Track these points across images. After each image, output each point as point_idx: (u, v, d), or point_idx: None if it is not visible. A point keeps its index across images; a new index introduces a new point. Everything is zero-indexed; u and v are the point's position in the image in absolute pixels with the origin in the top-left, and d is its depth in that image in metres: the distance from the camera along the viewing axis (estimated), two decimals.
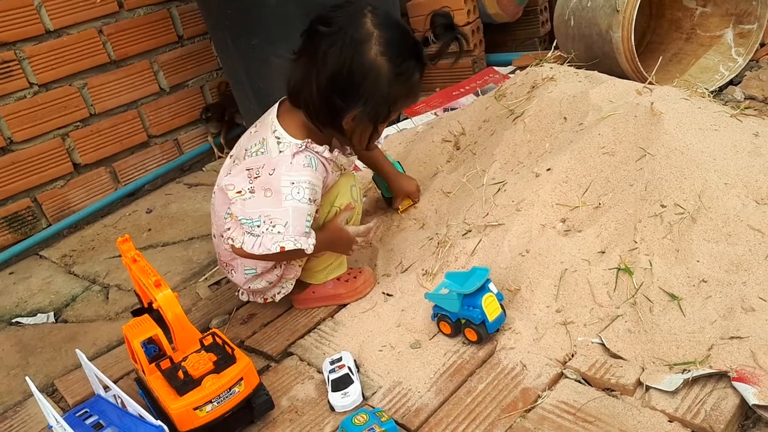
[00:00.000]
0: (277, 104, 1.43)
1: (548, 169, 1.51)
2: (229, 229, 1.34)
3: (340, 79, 1.26)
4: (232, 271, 1.49)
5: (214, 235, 1.53)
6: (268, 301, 1.55)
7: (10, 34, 2.20)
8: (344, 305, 1.52)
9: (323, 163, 1.37)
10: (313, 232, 1.34)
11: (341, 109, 1.29)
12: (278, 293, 1.52)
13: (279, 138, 1.35)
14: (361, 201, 1.56)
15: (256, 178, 1.32)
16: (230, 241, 1.32)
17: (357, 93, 1.27)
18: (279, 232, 1.28)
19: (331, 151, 1.38)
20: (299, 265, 1.49)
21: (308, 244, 1.31)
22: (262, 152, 1.35)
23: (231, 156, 1.46)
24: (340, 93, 1.27)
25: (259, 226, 1.29)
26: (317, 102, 1.29)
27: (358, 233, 1.47)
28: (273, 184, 1.30)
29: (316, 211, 1.39)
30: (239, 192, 1.33)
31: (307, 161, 1.32)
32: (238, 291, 1.61)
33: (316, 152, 1.35)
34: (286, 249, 1.28)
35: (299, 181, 1.30)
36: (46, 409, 1.23)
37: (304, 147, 1.33)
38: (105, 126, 2.49)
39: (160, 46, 2.61)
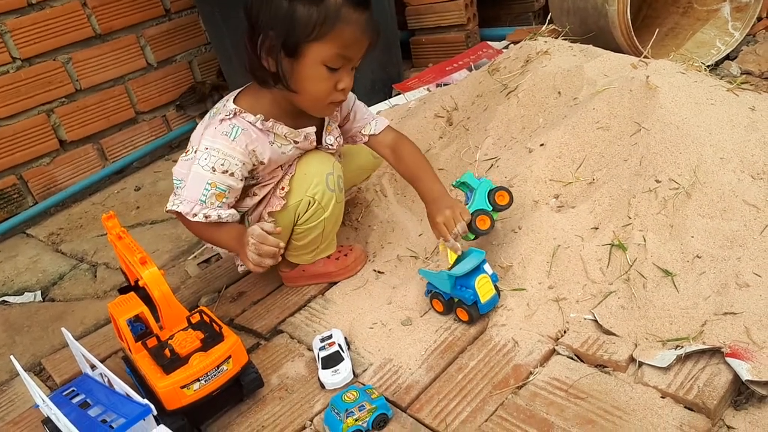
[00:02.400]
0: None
1: (542, 145, 1.49)
2: None
3: (249, 17, 1.23)
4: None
5: None
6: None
7: None
8: (335, 283, 1.50)
9: (259, 134, 1.30)
10: (213, 206, 1.28)
11: (255, 43, 1.23)
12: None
13: (226, 102, 1.35)
14: (340, 191, 1.42)
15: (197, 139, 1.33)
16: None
17: (260, 19, 1.21)
18: (178, 194, 1.30)
19: (266, 120, 1.30)
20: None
21: (192, 210, 1.27)
22: (212, 114, 1.36)
23: None
24: (251, 28, 1.24)
25: (178, 187, 1.32)
26: (247, 52, 1.26)
27: (253, 234, 1.26)
28: (194, 145, 1.32)
29: (280, 188, 1.36)
30: (186, 151, 1.34)
31: (228, 130, 1.28)
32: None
33: (248, 122, 1.29)
34: (177, 210, 1.28)
35: (211, 148, 1.27)
36: (32, 388, 1.21)
37: (232, 115, 1.29)
38: (91, 102, 2.44)
39: (146, 19, 2.55)
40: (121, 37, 2.48)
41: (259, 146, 1.31)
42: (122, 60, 2.50)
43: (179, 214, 1.30)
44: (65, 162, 2.41)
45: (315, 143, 1.40)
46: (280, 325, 1.41)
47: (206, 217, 1.28)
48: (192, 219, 1.28)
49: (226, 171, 1.28)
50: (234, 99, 1.34)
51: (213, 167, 1.26)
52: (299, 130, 1.35)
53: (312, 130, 1.37)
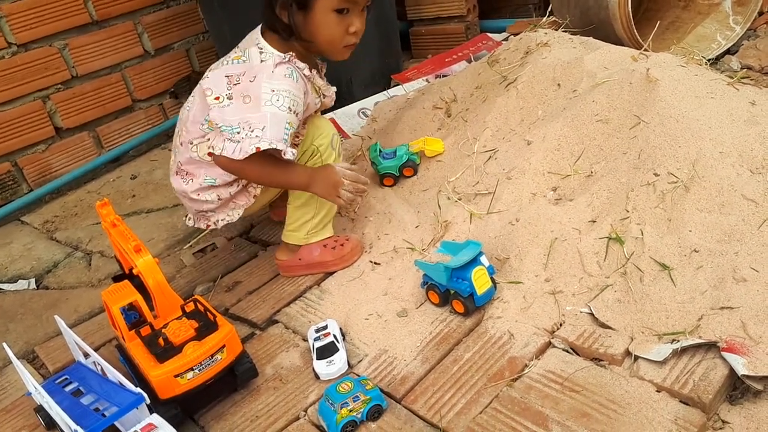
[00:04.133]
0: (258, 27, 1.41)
1: (540, 137, 1.48)
2: (205, 137, 1.36)
3: None
4: (190, 179, 1.44)
5: (176, 145, 1.47)
6: (210, 227, 1.49)
7: None
8: (331, 273, 1.49)
9: (303, 80, 1.36)
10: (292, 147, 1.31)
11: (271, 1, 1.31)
12: (222, 219, 1.48)
13: (261, 49, 1.35)
14: (339, 155, 1.51)
15: (235, 84, 1.31)
16: (211, 149, 1.31)
17: None
18: (257, 136, 1.26)
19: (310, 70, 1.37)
20: (254, 195, 1.46)
21: (285, 147, 1.27)
22: (244, 60, 1.35)
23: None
24: None
25: (239, 133, 1.28)
26: (265, 9, 1.33)
27: (344, 175, 1.38)
28: (253, 91, 1.29)
29: (297, 137, 1.37)
30: (217, 98, 1.31)
31: (289, 72, 1.31)
32: (186, 216, 1.56)
33: (298, 67, 1.34)
34: (261, 149, 1.25)
35: (279, 90, 1.28)
36: (24, 376, 1.21)
37: (287, 60, 1.33)
38: (88, 89, 2.42)
39: (144, 6, 2.53)
40: (118, 24, 2.46)
41: (307, 93, 1.36)
42: (119, 47, 2.47)
43: (231, 162, 1.28)
44: (61, 149, 2.39)
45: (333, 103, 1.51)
46: (275, 315, 1.41)
47: (292, 154, 1.28)
48: (283, 157, 1.27)
49: (296, 112, 1.31)
50: (264, 46, 1.35)
51: (289, 107, 1.28)
52: (329, 86, 1.44)
53: (334, 89, 1.47)
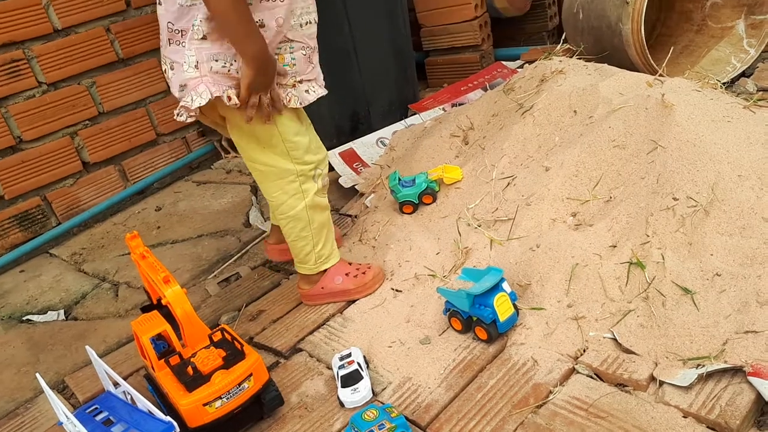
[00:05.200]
0: None
1: (558, 163, 1.50)
2: None
3: None
4: (182, 41, 1.27)
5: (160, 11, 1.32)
6: (182, 104, 1.31)
7: (18, 33, 2.20)
8: (353, 301, 1.51)
9: None
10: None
11: None
12: (197, 97, 1.28)
13: None
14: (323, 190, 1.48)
15: None
16: None
17: None
18: None
19: None
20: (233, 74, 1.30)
21: None
22: None
23: None
24: None
25: None
26: None
27: (280, 73, 1.30)
28: None
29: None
30: None
31: None
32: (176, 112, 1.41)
33: None
34: None
35: None
36: (56, 405, 1.23)
37: None
38: (114, 124, 2.49)
39: None
40: (143, 61, 2.54)
41: None
42: (144, 83, 2.55)
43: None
44: (88, 183, 2.46)
45: None
46: (300, 344, 1.42)
47: None
48: None
49: None
50: None
51: None
52: None
53: None
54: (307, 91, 1.38)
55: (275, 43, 1.29)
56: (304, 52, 1.35)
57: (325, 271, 1.52)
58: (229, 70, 1.28)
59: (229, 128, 1.41)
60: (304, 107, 1.41)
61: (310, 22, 1.35)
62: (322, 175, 1.48)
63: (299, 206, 1.43)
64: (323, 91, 1.43)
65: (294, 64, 1.34)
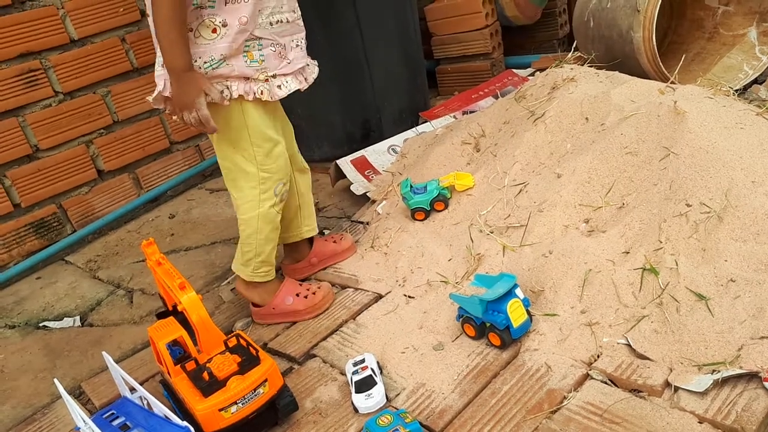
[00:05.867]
0: None
1: (570, 170, 1.50)
2: None
3: None
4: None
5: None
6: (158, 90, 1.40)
7: (36, 43, 2.24)
8: (367, 307, 1.52)
9: None
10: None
11: None
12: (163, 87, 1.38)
13: None
14: (281, 202, 1.51)
15: None
16: None
17: None
18: None
19: None
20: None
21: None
22: None
23: None
24: None
25: None
26: None
27: (201, 111, 1.31)
28: None
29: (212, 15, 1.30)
30: None
31: None
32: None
33: None
34: None
35: None
36: (74, 410, 1.25)
37: None
38: (128, 133, 2.52)
39: None
40: None
41: None
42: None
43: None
44: (102, 191, 2.49)
45: None
46: (313, 350, 1.43)
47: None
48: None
49: None
50: None
51: None
52: None
53: None
54: (279, 86, 1.41)
55: (240, 40, 1.33)
56: (273, 49, 1.38)
57: (263, 284, 1.56)
58: (200, 67, 1.34)
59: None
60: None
61: (282, 21, 1.39)
62: (283, 191, 1.51)
63: (253, 213, 1.48)
64: (299, 86, 1.45)
65: (263, 60, 1.37)
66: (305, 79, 1.47)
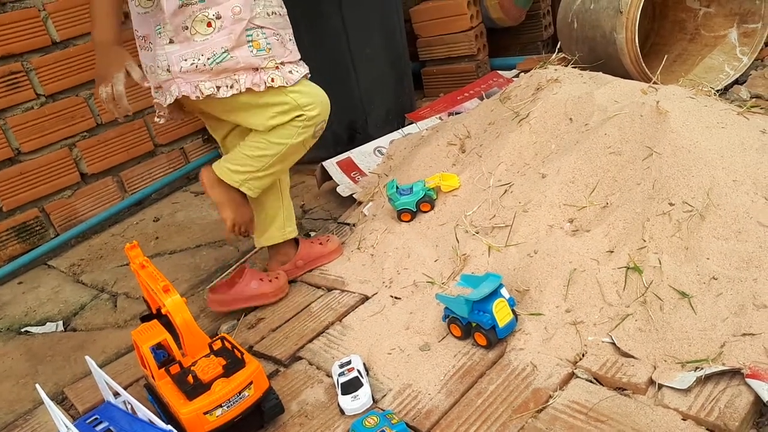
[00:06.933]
0: None
1: (555, 170, 1.51)
2: None
3: None
4: (147, 45, 1.42)
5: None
6: (155, 100, 1.47)
7: (17, 45, 2.22)
8: (353, 309, 1.51)
9: None
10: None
11: None
12: (169, 96, 1.42)
13: None
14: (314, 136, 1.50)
15: None
16: None
17: None
18: None
19: None
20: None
21: None
22: None
23: None
24: None
25: None
26: None
27: (117, 88, 1.29)
28: None
29: None
30: None
31: None
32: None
33: None
34: None
35: None
36: (56, 416, 1.23)
37: None
38: (111, 136, 2.50)
39: None
40: None
41: None
42: (142, 95, 2.56)
43: None
44: (86, 194, 2.46)
45: None
46: (299, 352, 1.43)
47: None
48: None
49: None
50: None
51: None
52: None
53: None
54: (290, 71, 1.42)
55: (238, 30, 1.33)
56: (276, 38, 1.39)
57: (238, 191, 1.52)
58: (197, 66, 1.35)
59: (225, 116, 1.49)
60: None
61: (275, 13, 1.41)
62: (321, 128, 1.50)
63: (286, 141, 1.44)
64: (305, 69, 1.46)
65: (270, 48, 1.38)
66: (305, 68, 1.49)
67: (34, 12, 2.25)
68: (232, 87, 1.36)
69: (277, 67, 1.39)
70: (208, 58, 1.33)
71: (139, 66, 1.34)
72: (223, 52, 1.32)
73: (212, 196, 1.55)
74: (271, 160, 1.48)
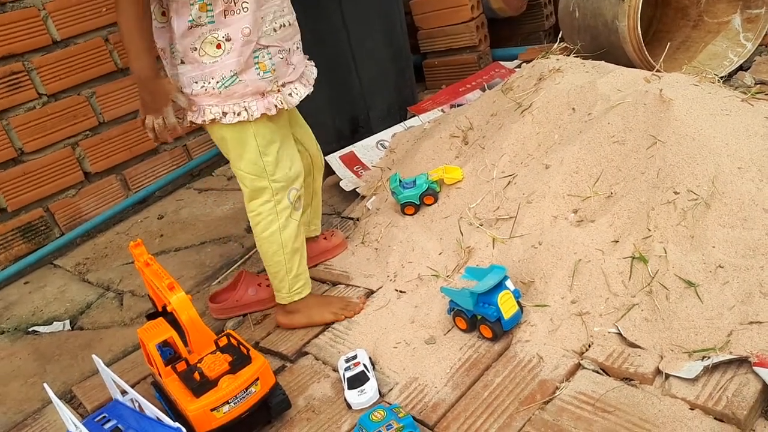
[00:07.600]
0: None
1: (558, 161, 1.50)
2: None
3: None
4: (165, 57, 1.39)
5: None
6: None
7: (18, 45, 2.21)
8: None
9: None
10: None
11: None
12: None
13: None
14: (298, 210, 1.46)
15: None
16: None
17: None
18: None
19: None
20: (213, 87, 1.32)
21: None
22: None
23: None
24: None
25: None
26: None
27: (168, 118, 1.32)
28: None
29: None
30: None
31: None
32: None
33: None
34: None
35: None
36: (65, 415, 1.24)
37: None
38: (114, 134, 2.50)
39: None
40: None
41: None
42: None
43: None
44: (90, 193, 2.46)
45: None
46: (305, 347, 1.43)
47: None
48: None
49: None
50: None
51: None
52: None
53: None
54: (290, 94, 1.39)
55: (247, 52, 1.30)
56: (281, 56, 1.36)
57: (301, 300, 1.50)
58: (206, 90, 1.32)
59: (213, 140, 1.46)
60: (303, 115, 1.42)
61: (285, 25, 1.36)
62: (296, 197, 1.44)
63: (273, 228, 1.42)
64: (306, 90, 1.43)
65: (275, 70, 1.35)
66: (308, 81, 1.45)
67: (34, 11, 2.24)
68: (239, 114, 1.32)
69: (278, 90, 1.36)
70: (218, 82, 1.29)
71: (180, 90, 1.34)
72: (232, 76, 1.29)
73: (297, 325, 1.51)
74: (283, 252, 1.44)
